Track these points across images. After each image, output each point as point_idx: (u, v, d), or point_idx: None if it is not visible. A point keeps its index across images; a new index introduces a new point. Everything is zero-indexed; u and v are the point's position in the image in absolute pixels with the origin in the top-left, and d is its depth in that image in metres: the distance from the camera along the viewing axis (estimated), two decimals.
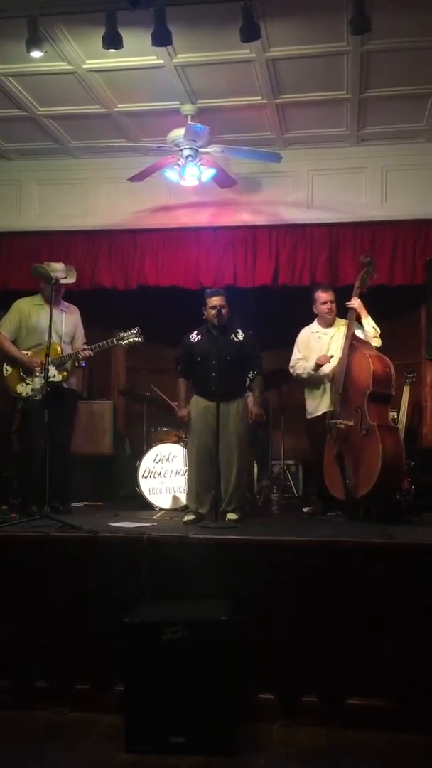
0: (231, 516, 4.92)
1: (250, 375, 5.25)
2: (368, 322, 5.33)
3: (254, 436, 5.99)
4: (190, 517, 4.98)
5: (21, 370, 5.33)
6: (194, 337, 5.24)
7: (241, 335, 5.17)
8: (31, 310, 5.42)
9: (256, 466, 6.48)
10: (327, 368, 5.35)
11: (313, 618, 3.68)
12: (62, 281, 5.32)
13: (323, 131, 6.05)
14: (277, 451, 6.75)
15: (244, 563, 3.81)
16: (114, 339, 5.39)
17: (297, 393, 6.14)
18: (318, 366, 5.36)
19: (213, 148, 5.67)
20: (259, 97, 5.43)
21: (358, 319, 5.31)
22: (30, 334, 5.36)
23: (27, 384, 5.27)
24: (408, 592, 3.64)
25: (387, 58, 4.91)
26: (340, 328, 5.46)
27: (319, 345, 5.53)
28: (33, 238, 6.67)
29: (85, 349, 5.35)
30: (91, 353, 5.35)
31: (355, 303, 5.25)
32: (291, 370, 5.62)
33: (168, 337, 6.01)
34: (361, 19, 4.15)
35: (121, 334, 5.36)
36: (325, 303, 5.54)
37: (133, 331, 5.34)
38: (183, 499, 5.66)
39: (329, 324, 5.58)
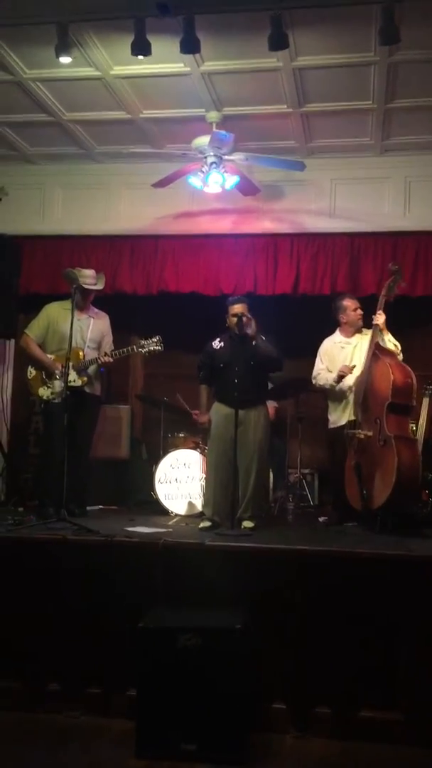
0: (247, 524, 4.91)
1: None
2: (389, 339, 5.31)
3: (271, 445, 5.97)
4: (206, 523, 4.97)
5: (44, 373, 5.37)
6: (217, 344, 5.25)
7: (262, 339, 5.18)
8: (60, 314, 5.46)
9: (272, 474, 6.45)
10: (350, 379, 5.33)
11: (327, 628, 3.67)
12: (88, 287, 5.39)
13: (347, 141, 6.05)
14: (294, 460, 6.71)
15: (259, 572, 3.80)
16: (134, 347, 5.42)
17: (314, 402, 6.13)
18: (340, 377, 5.34)
19: (237, 156, 5.68)
20: (285, 106, 5.43)
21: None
22: (56, 338, 5.41)
23: (48, 387, 5.31)
24: (422, 605, 3.62)
25: (414, 69, 4.90)
26: (363, 338, 5.44)
27: (342, 355, 5.51)
28: (55, 242, 6.70)
29: (105, 355, 5.38)
30: (111, 359, 5.38)
31: (380, 319, 5.22)
32: (314, 381, 5.60)
33: (187, 343, 6.02)
34: (391, 29, 4.14)
35: (142, 342, 5.39)
36: (356, 309, 5.54)
37: (154, 339, 5.36)
38: (198, 505, 5.66)
39: (353, 333, 5.56)
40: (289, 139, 6.02)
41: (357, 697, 3.60)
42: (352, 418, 5.23)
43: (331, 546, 4.03)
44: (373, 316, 5.27)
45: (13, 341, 6.64)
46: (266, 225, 6.47)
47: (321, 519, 5.66)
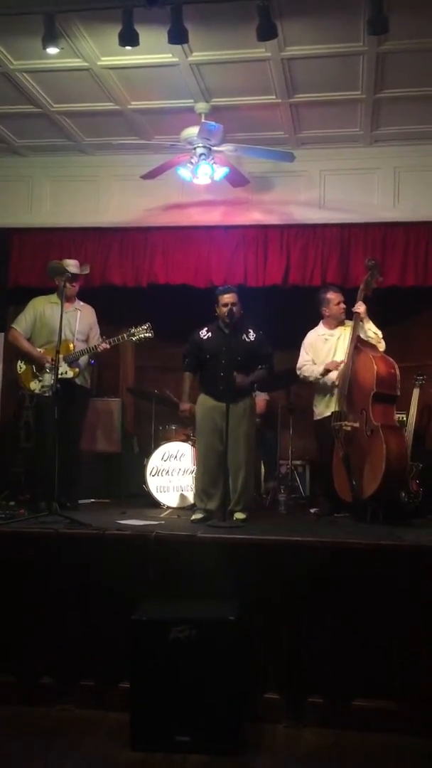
0: (239, 515, 4.92)
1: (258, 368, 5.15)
2: (369, 327, 5.35)
3: (262, 436, 5.97)
4: (198, 515, 4.98)
5: (34, 366, 5.39)
6: (204, 333, 5.22)
7: (252, 335, 5.16)
8: (45, 307, 5.52)
9: (263, 466, 6.47)
10: (334, 374, 5.37)
11: (320, 619, 3.68)
12: (73, 271, 5.47)
13: (337, 131, 6.02)
14: (285, 452, 6.74)
15: (252, 563, 3.81)
16: (125, 334, 5.44)
17: (305, 393, 6.14)
18: (326, 371, 5.37)
19: (226, 147, 5.65)
20: (274, 97, 5.41)
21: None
22: (44, 331, 5.44)
23: (39, 381, 5.33)
24: (415, 594, 3.64)
25: (403, 59, 4.88)
26: (346, 330, 5.48)
27: (326, 347, 5.55)
28: (44, 234, 6.66)
29: (102, 342, 5.40)
30: (108, 346, 5.42)
31: (361, 308, 5.27)
32: (298, 372, 5.64)
33: (177, 335, 5.99)
34: (379, 19, 4.12)
35: (132, 330, 5.45)
36: (339, 303, 5.59)
37: (144, 326, 5.42)
38: (190, 497, 5.66)
39: (335, 326, 5.60)
40: (278, 130, 5.99)
41: (350, 687, 3.61)
42: (337, 409, 5.26)
43: (322, 537, 4.04)
44: (353, 309, 5.31)
45: (2, 335, 6.61)
46: (256, 216, 6.45)
47: (312, 510, 5.69)
